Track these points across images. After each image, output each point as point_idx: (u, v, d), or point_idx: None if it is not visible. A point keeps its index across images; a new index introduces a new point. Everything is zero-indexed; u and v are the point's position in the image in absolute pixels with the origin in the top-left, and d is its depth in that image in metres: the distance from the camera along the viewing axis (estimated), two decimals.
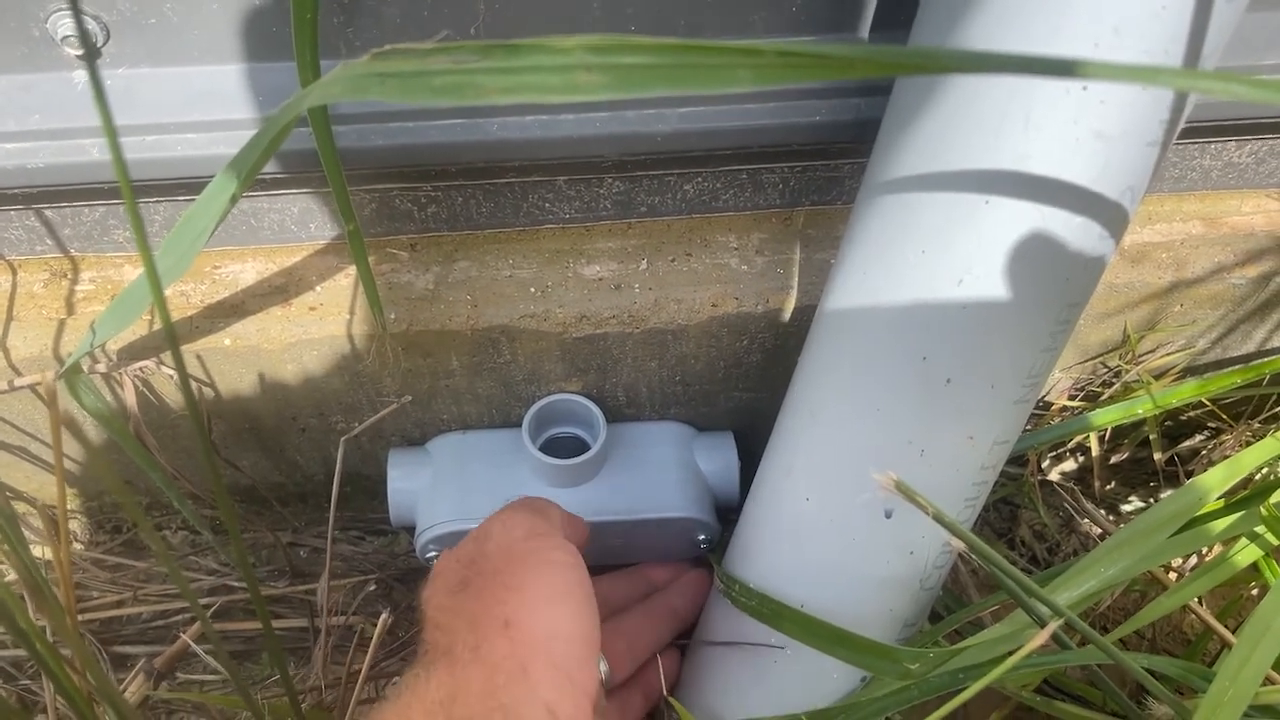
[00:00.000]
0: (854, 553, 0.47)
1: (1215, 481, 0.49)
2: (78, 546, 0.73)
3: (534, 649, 0.43)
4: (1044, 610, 0.39)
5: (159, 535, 0.73)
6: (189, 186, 0.49)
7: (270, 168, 0.48)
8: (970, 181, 0.38)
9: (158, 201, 0.51)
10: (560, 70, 0.24)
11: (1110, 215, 0.38)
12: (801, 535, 0.49)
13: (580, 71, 0.24)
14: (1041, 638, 0.33)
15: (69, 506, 0.71)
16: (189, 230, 0.39)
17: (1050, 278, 0.39)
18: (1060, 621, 0.36)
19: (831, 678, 0.50)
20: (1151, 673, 0.46)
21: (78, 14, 0.25)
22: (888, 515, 0.45)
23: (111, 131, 0.26)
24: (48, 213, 0.52)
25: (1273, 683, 0.46)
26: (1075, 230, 0.38)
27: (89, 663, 0.35)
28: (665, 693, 0.55)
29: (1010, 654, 0.36)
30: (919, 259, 0.40)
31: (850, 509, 0.46)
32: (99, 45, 0.44)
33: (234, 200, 0.37)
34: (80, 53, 0.44)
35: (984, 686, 0.38)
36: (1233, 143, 0.56)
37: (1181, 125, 0.38)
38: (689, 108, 0.47)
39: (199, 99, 0.45)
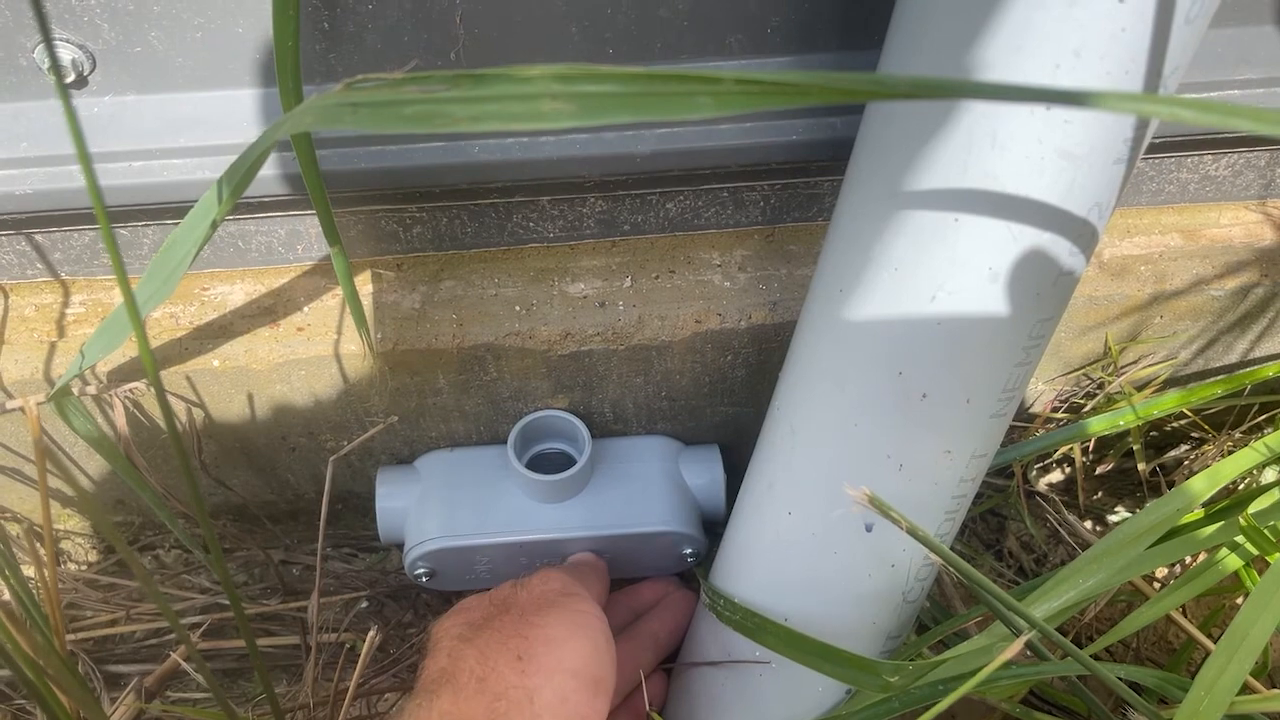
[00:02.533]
0: (836, 567, 0.47)
1: (1195, 491, 0.49)
2: (73, 566, 0.74)
3: (544, 680, 0.44)
4: (1021, 622, 0.40)
5: (147, 557, 0.73)
6: (176, 211, 0.50)
7: (258, 191, 0.49)
8: (940, 200, 0.38)
9: (146, 225, 0.52)
10: (526, 99, 0.24)
11: (1079, 232, 0.38)
12: (784, 549, 0.49)
13: (546, 100, 0.24)
14: (1012, 650, 0.33)
15: (64, 526, 0.72)
16: (172, 255, 0.40)
17: (1021, 294, 0.39)
18: (1032, 633, 0.37)
19: (816, 691, 0.50)
20: (1131, 684, 0.46)
21: (50, 46, 0.25)
22: (868, 529, 0.46)
23: (86, 159, 0.27)
24: (38, 237, 0.53)
25: (1251, 691, 0.46)
26: (1044, 247, 0.38)
27: (73, 684, 0.35)
28: (649, 709, 0.55)
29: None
30: (892, 276, 0.41)
31: (831, 523, 0.46)
32: (86, 74, 0.45)
33: (215, 226, 0.38)
34: (68, 80, 0.44)
35: (963, 698, 0.38)
36: (1209, 156, 0.57)
37: (1147, 143, 0.38)
38: (667, 129, 0.48)
39: (184, 125, 0.46)
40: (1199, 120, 0.23)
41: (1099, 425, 0.59)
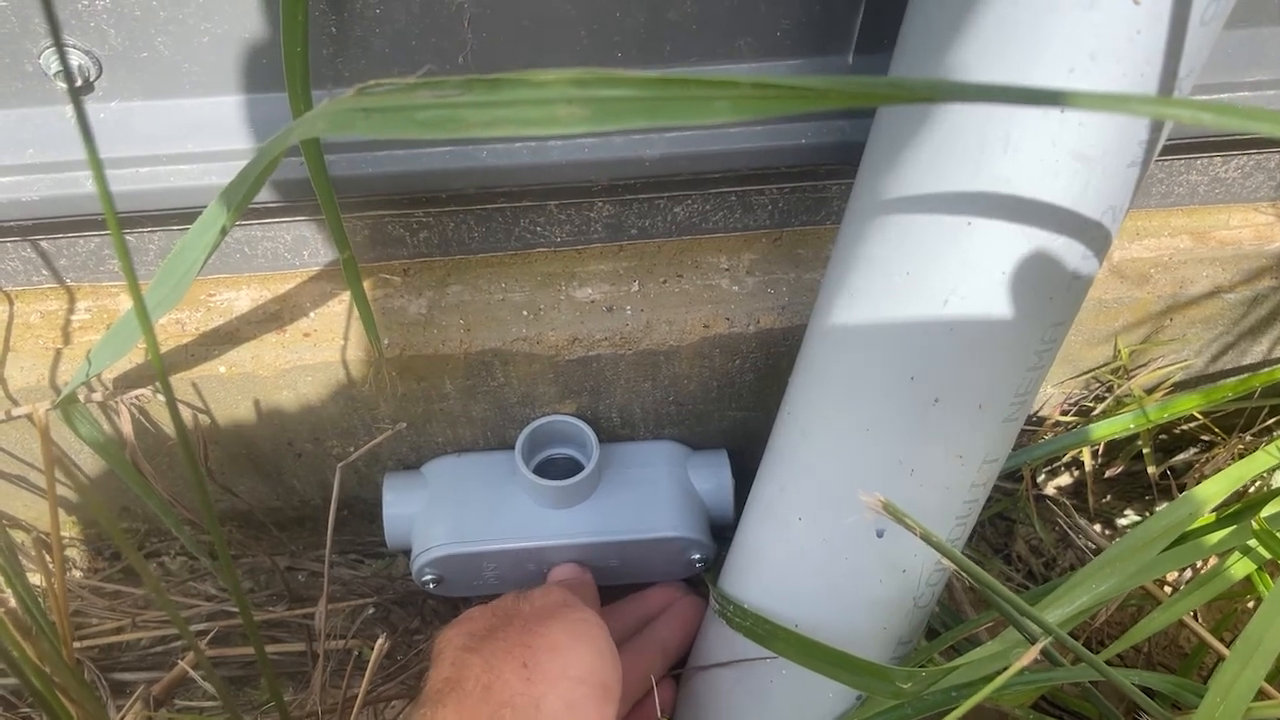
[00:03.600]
0: (846, 572, 0.47)
1: (1206, 496, 0.49)
2: (77, 574, 0.73)
3: (549, 687, 0.44)
4: (1035, 628, 0.40)
5: (152, 564, 0.73)
6: (183, 216, 0.50)
7: (264, 197, 0.48)
8: (953, 203, 0.38)
9: (152, 231, 0.51)
10: (541, 104, 0.24)
11: (1092, 235, 0.38)
12: (794, 555, 0.49)
13: (561, 105, 0.24)
14: (1028, 657, 0.33)
15: (68, 534, 0.71)
16: (181, 262, 0.40)
17: (1034, 298, 0.39)
18: (1048, 639, 0.37)
19: (827, 697, 0.50)
20: (1145, 689, 0.46)
21: (61, 51, 0.25)
22: (879, 534, 0.46)
23: (97, 164, 0.27)
24: (44, 244, 0.52)
25: (1267, 697, 0.46)
26: (1057, 251, 0.38)
27: (80, 692, 0.35)
28: (659, 716, 0.55)
29: (1001, 672, 0.36)
30: (904, 280, 0.40)
31: (842, 528, 0.46)
32: (92, 80, 0.44)
33: (224, 232, 0.37)
34: (75, 86, 0.44)
35: (977, 704, 0.38)
36: (1219, 158, 0.56)
37: (1161, 145, 0.38)
38: (676, 132, 0.48)
39: (191, 131, 0.46)
40: (1219, 124, 0.23)
41: (1108, 429, 0.59)
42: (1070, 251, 0.38)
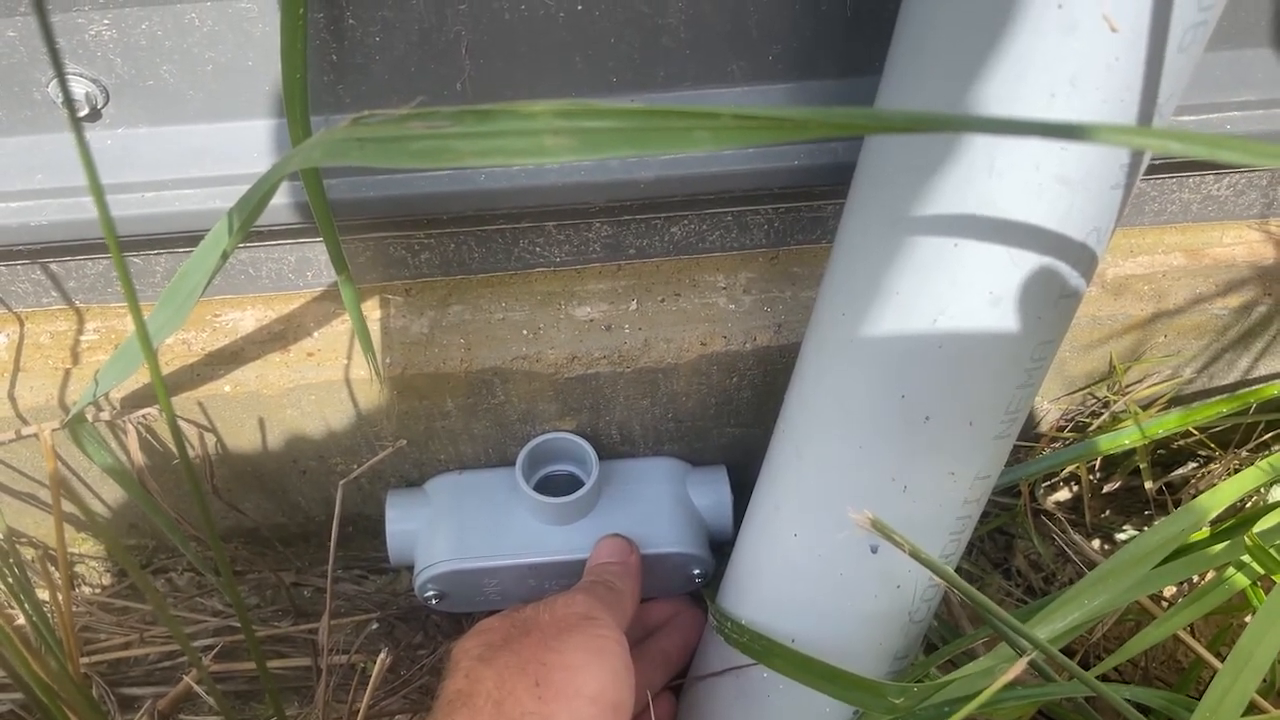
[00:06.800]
0: (841, 588, 0.48)
1: (1202, 510, 0.49)
2: (86, 590, 0.74)
3: (561, 706, 0.44)
4: (1026, 643, 0.40)
5: (160, 580, 0.74)
6: (188, 239, 0.51)
7: (266, 220, 0.49)
8: (939, 225, 0.39)
9: (158, 254, 0.52)
10: (529, 134, 0.25)
11: (1078, 256, 0.39)
12: (790, 571, 0.49)
13: (548, 135, 0.25)
14: (1013, 672, 0.34)
15: (78, 550, 0.72)
16: (185, 284, 0.40)
17: (1022, 317, 0.40)
18: (1034, 654, 0.37)
19: (823, 712, 0.51)
20: (1138, 705, 0.46)
21: (63, 82, 0.26)
22: (873, 550, 0.46)
23: (98, 191, 0.28)
24: (53, 266, 0.53)
25: (1259, 710, 0.46)
26: (1044, 271, 0.38)
27: (85, 708, 0.36)
28: None
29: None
30: (894, 300, 0.41)
31: (836, 545, 0.47)
32: (99, 107, 0.45)
33: (225, 257, 0.38)
34: (83, 114, 0.45)
35: (969, 719, 0.38)
36: (1210, 176, 0.57)
37: (1145, 167, 0.39)
38: (670, 156, 0.49)
39: (195, 156, 0.47)
40: (1187, 152, 0.24)
41: (1105, 444, 0.60)
42: (1056, 272, 0.39)
